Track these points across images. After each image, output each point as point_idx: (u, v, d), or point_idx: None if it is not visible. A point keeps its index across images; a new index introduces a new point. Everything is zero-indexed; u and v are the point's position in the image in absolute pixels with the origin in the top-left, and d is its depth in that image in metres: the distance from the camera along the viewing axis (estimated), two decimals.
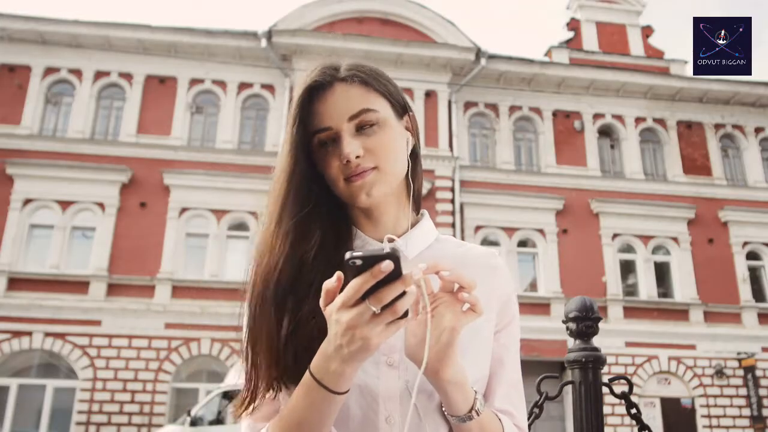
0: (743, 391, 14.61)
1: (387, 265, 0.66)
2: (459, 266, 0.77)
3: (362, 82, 0.88)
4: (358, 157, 0.85)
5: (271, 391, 0.84)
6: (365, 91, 0.87)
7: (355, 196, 0.87)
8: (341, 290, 0.70)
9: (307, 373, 0.77)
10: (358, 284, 0.68)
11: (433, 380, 0.80)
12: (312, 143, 0.88)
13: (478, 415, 0.82)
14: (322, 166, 0.88)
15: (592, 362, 1.68)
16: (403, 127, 0.93)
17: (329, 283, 0.72)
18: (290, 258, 0.85)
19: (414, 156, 0.95)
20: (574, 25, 18.05)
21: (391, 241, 0.89)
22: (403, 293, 0.68)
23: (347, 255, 0.68)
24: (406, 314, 0.70)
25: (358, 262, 0.67)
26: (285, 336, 0.83)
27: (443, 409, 0.84)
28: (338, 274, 0.71)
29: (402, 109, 0.93)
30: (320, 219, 0.89)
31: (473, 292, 0.76)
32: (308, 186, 0.88)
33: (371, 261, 0.67)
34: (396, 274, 0.67)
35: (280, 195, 0.87)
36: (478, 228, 15.06)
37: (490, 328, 0.93)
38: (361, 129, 0.86)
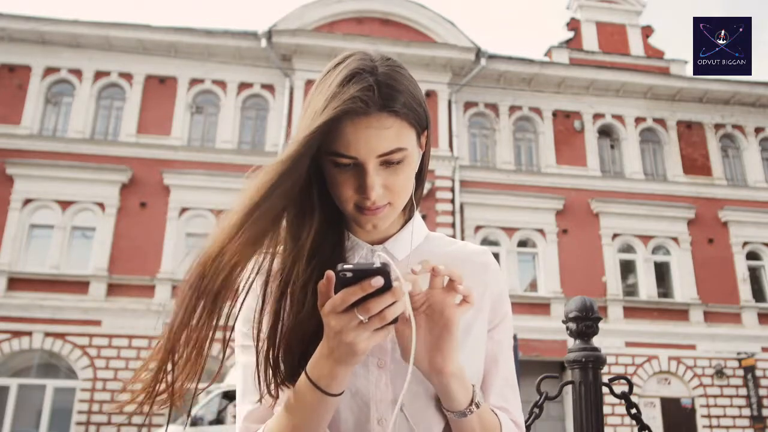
0: (743, 391, 14.61)
1: (377, 281, 0.68)
2: (450, 264, 0.78)
3: (399, 114, 0.82)
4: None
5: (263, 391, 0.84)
6: (400, 127, 0.82)
7: (361, 224, 0.87)
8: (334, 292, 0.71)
9: (303, 374, 0.78)
10: (347, 295, 0.69)
11: (436, 377, 0.80)
12: (325, 157, 0.83)
13: (478, 408, 0.83)
14: (332, 184, 0.85)
15: (592, 362, 1.68)
16: (418, 147, 0.89)
17: (321, 285, 0.73)
18: (290, 256, 0.86)
19: (420, 171, 0.93)
20: (574, 25, 18.06)
21: (382, 255, 0.89)
22: (393, 302, 0.70)
23: (338, 266, 0.69)
24: (394, 321, 0.71)
25: (349, 274, 0.69)
26: (281, 335, 0.83)
27: (443, 406, 0.84)
28: (328, 273, 0.71)
29: (423, 129, 0.89)
30: (316, 220, 0.89)
31: (464, 283, 0.77)
32: (309, 188, 0.87)
33: (362, 275, 0.68)
34: (386, 287, 0.68)
35: (266, 196, 0.80)
36: (478, 228, 15.06)
37: (483, 325, 0.94)
38: (387, 163, 0.83)
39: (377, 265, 0.69)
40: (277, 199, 0.81)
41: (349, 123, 0.80)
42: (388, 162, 0.83)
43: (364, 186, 0.82)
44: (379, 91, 0.81)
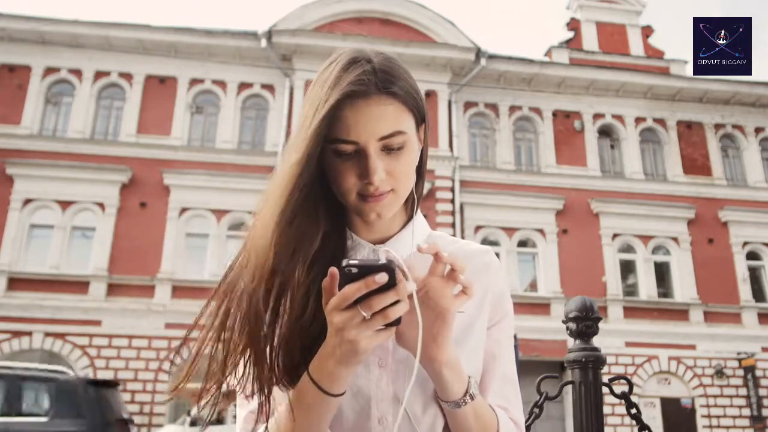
0: (743, 391, 14.62)
1: (381, 278, 0.68)
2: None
3: (397, 97, 0.83)
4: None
5: (263, 392, 0.83)
6: (399, 110, 0.83)
7: (365, 214, 0.86)
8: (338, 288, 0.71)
9: (305, 374, 0.77)
10: (350, 291, 0.69)
11: (429, 365, 0.80)
12: (326, 146, 0.83)
13: (472, 399, 0.83)
14: (334, 174, 0.85)
15: (592, 362, 1.68)
16: (417, 138, 0.90)
17: (325, 283, 0.73)
18: (295, 258, 0.85)
19: (419, 167, 0.93)
20: (574, 25, 18.06)
21: (390, 252, 0.89)
22: (396, 301, 0.70)
23: (344, 262, 0.69)
24: (397, 321, 0.71)
25: (354, 270, 0.69)
26: (286, 337, 0.83)
27: (438, 396, 0.84)
28: (332, 270, 0.72)
29: (421, 120, 0.90)
30: (322, 220, 0.88)
31: (465, 275, 0.77)
32: (316, 187, 0.86)
33: (367, 271, 0.68)
34: (390, 284, 0.68)
35: (286, 192, 0.82)
36: (478, 228, 15.06)
37: (483, 324, 0.93)
38: (387, 149, 0.83)
39: (382, 261, 0.69)
40: (303, 199, 0.82)
41: (349, 107, 0.80)
42: (388, 147, 0.83)
43: (366, 171, 0.82)
44: (376, 75, 0.82)
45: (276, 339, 0.83)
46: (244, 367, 0.84)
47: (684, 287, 15.34)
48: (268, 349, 0.83)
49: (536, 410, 1.73)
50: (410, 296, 0.73)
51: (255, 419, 0.87)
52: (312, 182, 0.83)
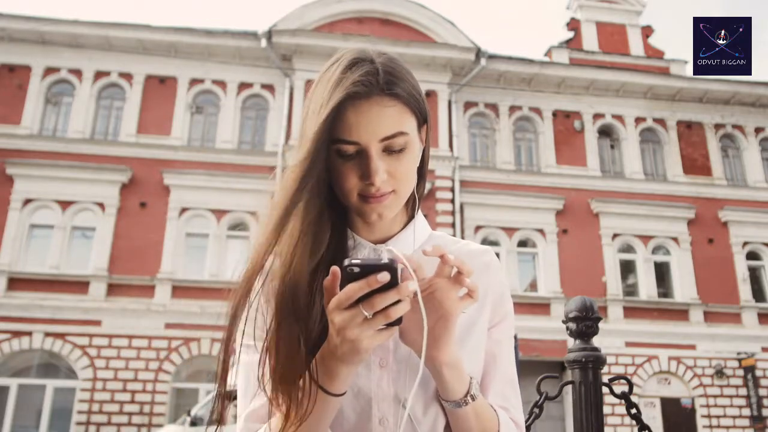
0: (743, 391, 14.61)
1: (383, 276, 0.68)
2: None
3: (400, 98, 0.83)
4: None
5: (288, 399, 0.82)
6: (401, 110, 0.83)
7: (366, 215, 0.87)
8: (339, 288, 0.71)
9: (306, 373, 0.77)
10: (353, 290, 0.69)
11: (430, 364, 0.80)
12: (329, 146, 0.83)
13: (473, 400, 0.83)
14: (336, 175, 0.85)
15: (592, 362, 1.68)
16: (419, 139, 0.90)
17: (327, 282, 0.73)
18: (306, 262, 0.85)
19: (421, 167, 0.93)
20: (574, 25, 18.05)
21: (393, 251, 0.89)
22: (398, 301, 0.70)
23: (346, 261, 0.69)
24: (399, 321, 0.71)
25: (356, 269, 0.69)
26: (285, 336, 0.83)
27: (439, 395, 0.84)
28: (333, 269, 0.71)
29: (423, 120, 0.90)
30: (327, 220, 0.88)
31: (471, 278, 0.77)
32: (323, 189, 0.87)
33: (369, 270, 0.68)
34: (392, 284, 0.68)
35: (291, 191, 0.82)
36: (478, 228, 15.06)
37: (484, 324, 0.94)
38: (389, 150, 0.83)
39: (385, 260, 0.69)
40: (307, 199, 0.83)
41: (351, 107, 0.81)
42: (390, 148, 0.83)
43: (367, 171, 0.82)
44: (379, 75, 0.82)
45: (281, 340, 0.83)
46: (246, 366, 0.84)
47: (684, 287, 15.34)
48: (272, 348, 0.83)
49: (536, 410, 1.73)
50: (414, 295, 0.73)
51: (256, 418, 0.87)
52: (318, 183, 0.84)
